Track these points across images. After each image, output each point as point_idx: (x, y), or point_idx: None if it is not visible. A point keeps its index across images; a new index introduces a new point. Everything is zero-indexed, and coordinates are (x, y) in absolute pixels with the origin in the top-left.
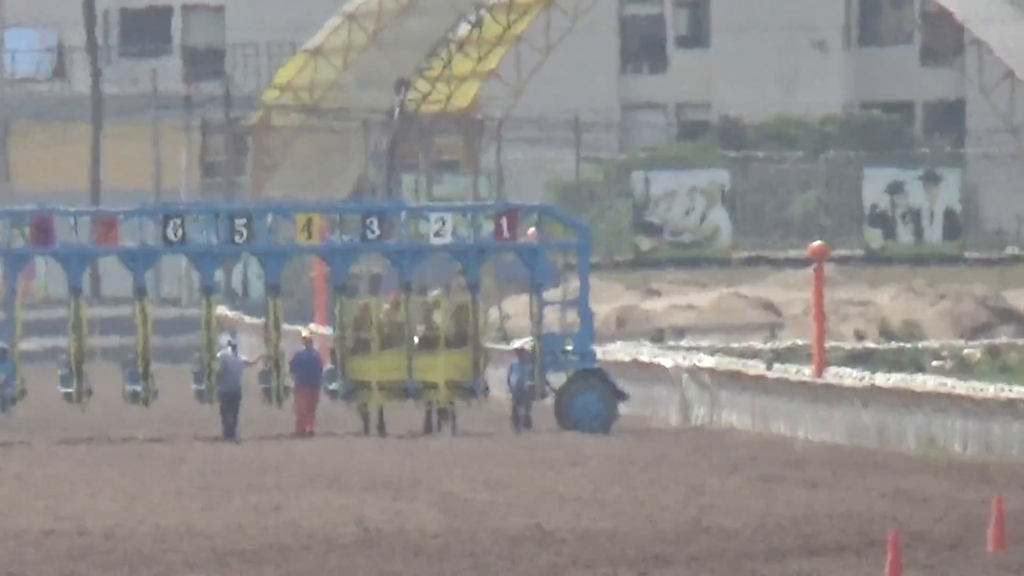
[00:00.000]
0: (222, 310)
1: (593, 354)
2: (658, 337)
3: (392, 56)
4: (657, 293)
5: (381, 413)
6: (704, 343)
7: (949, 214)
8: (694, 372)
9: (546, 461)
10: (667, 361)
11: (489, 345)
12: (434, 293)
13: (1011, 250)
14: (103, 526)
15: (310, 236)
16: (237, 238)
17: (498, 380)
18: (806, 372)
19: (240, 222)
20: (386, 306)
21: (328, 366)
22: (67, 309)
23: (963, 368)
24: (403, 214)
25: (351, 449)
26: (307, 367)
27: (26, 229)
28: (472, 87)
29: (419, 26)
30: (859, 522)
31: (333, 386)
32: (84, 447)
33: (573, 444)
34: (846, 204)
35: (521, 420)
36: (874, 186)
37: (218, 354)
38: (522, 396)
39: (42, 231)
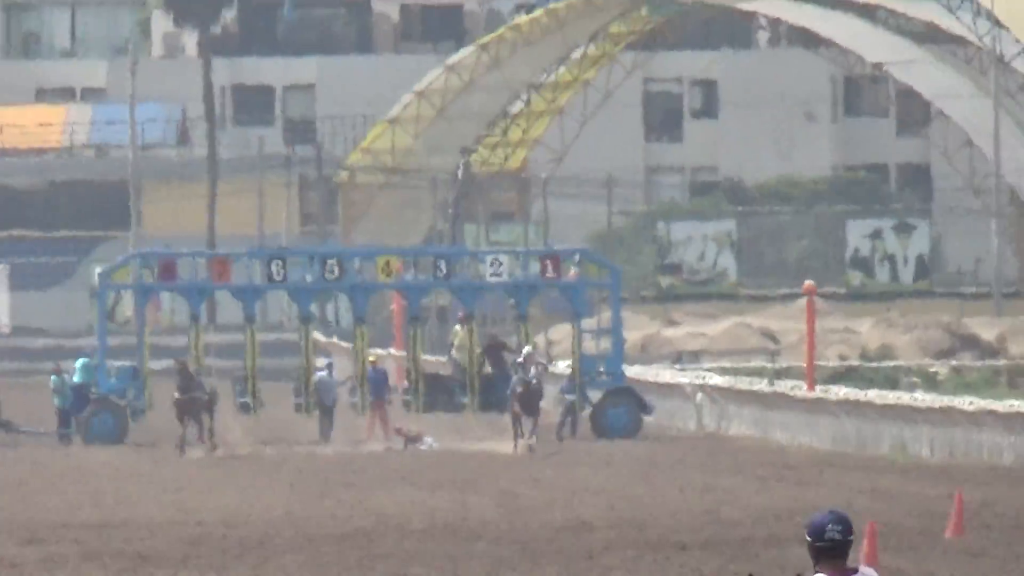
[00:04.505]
0: (318, 336)
1: (623, 374)
2: (677, 360)
3: (455, 126)
4: (676, 323)
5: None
6: (715, 365)
7: (919, 258)
8: (706, 389)
9: (584, 463)
10: (684, 380)
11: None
12: (527, 349)
13: (970, 287)
14: (217, 517)
15: (389, 275)
16: (329, 276)
17: (552, 396)
18: (800, 389)
19: (331, 263)
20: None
21: (404, 383)
22: (188, 335)
23: (931, 385)
24: (465, 257)
25: (421, 452)
26: (375, 384)
27: (154, 268)
28: (523, 151)
29: (479, 102)
30: None
31: (410, 399)
32: (202, 451)
33: (606, 449)
34: (833, 250)
35: (567, 428)
36: (856, 235)
37: (316, 374)
38: (567, 409)
39: (167, 270)
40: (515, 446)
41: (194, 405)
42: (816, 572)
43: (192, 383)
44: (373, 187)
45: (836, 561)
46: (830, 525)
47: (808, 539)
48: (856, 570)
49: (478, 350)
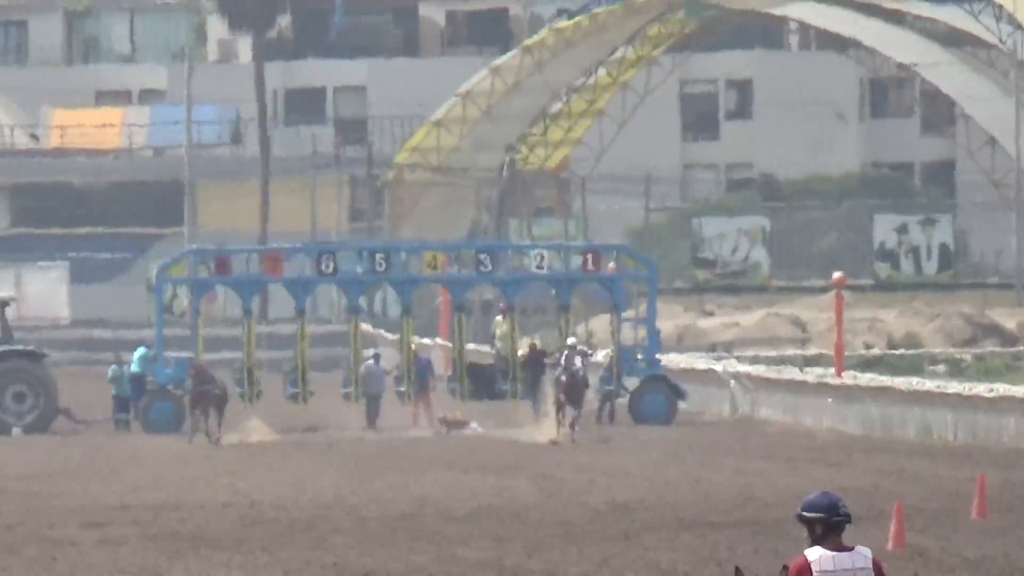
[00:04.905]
0: (365, 327)
1: (659, 362)
2: (711, 349)
3: (499, 126)
4: (710, 314)
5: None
6: (748, 354)
7: (943, 250)
8: (739, 376)
9: (622, 448)
10: (718, 367)
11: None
12: (571, 340)
13: (992, 278)
14: (270, 499)
15: (435, 268)
16: (377, 269)
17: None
18: (828, 375)
19: (379, 257)
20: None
21: (448, 371)
22: (241, 327)
23: (954, 371)
24: (509, 251)
25: (464, 438)
26: (419, 373)
27: (209, 263)
28: (563, 151)
29: (521, 103)
30: (869, 496)
31: (455, 387)
32: (213, 440)
33: (643, 434)
34: (860, 243)
35: (605, 415)
36: (883, 228)
37: (363, 364)
38: (605, 396)
39: (221, 265)
40: (557, 433)
41: (206, 399)
42: (813, 547)
43: (205, 379)
44: (420, 185)
45: (838, 537)
46: (840, 502)
47: (820, 516)
48: (853, 548)
49: (521, 351)
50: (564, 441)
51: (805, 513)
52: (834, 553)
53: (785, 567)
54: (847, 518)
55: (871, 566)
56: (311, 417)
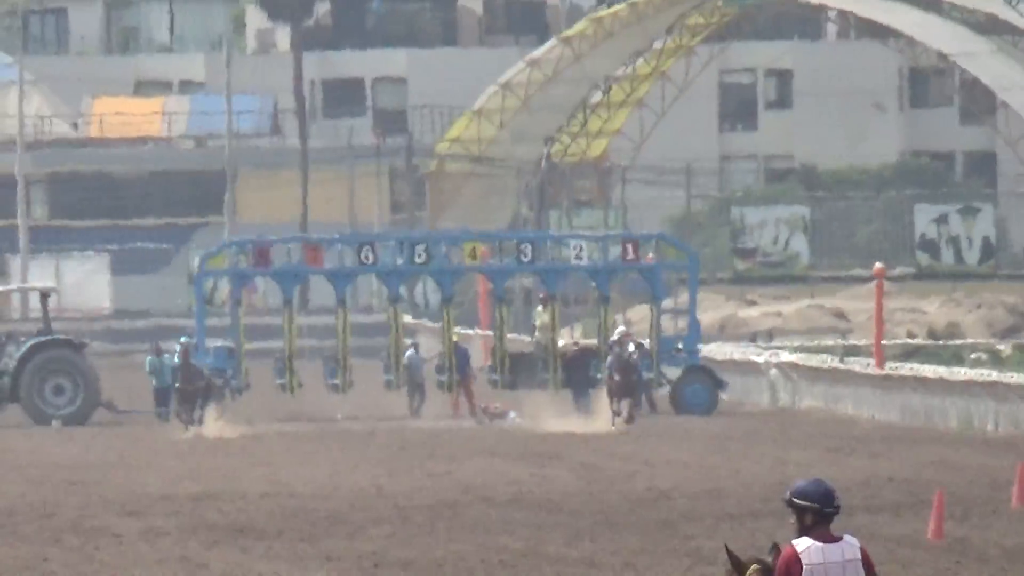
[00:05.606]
0: (406, 318)
1: (699, 352)
2: (752, 339)
3: (539, 117)
4: (751, 303)
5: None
6: (789, 344)
7: (984, 240)
8: (780, 366)
9: (662, 437)
10: (758, 358)
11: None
12: (621, 328)
13: None
14: (309, 489)
15: (475, 259)
16: (417, 260)
17: None
18: (869, 365)
19: (420, 248)
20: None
21: (488, 363)
22: (281, 317)
23: (995, 361)
24: (548, 242)
25: (506, 428)
26: (458, 362)
27: (249, 254)
28: (603, 141)
29: (560, 93)
30: (910, 485)
31: (495, 377)
32: (294, 426)
33: (683, 424)
34: (901, 233)
35: (645, 405)
36: (923, 218)
37: (405, 354)
38: (644, 386)
39: (262, 255)
40: (613, 423)
41: (194, 391)
42: (801, 538)
43: (192, 371)
44: (460, 176)
45: (827, 528)
46: (834, 493)
47: (814, 505)
48: (842, 537)
49: (562, 342)
50: (619, 431)
51: (796, 500)
52: (823, 544)
53: (775, 545)
54: (838, 510)
55: (860, 556)
56: (351, 406)
